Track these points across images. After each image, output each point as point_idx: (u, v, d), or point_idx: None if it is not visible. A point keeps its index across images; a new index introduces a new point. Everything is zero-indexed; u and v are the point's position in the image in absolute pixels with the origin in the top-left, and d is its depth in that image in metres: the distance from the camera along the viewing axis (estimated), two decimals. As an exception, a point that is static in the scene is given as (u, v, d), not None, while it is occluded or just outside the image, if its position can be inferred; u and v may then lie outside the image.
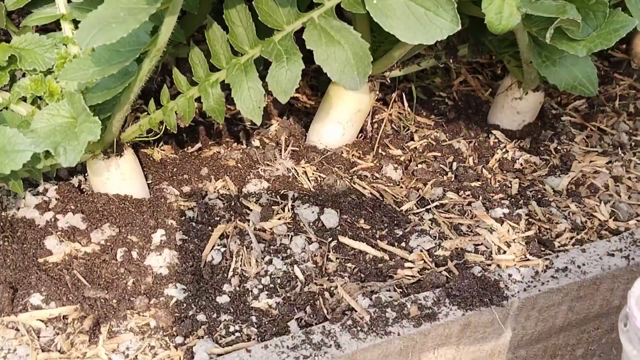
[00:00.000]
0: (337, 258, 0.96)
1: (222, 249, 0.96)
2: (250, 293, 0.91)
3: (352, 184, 1.08)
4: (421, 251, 0.98)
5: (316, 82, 1.33)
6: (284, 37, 0.89)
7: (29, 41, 0.99)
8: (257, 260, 0.95)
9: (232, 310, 0.88)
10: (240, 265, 0.94)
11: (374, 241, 0.99)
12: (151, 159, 1.11)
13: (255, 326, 0.86)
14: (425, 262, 0.96)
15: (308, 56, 0.88)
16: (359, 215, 1.02)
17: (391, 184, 1.10)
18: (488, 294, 0.89)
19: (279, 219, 1.01)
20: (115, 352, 0.82)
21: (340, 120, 1.13)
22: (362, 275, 0.94)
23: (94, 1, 0.77)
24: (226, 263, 0.95)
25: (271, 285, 0.92)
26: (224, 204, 1.03)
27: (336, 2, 0.85)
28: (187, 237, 0.97)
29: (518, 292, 0.90)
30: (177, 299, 0.89)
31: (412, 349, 0.86)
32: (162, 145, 1.15)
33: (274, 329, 0.86)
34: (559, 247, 0.99)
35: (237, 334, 0.85)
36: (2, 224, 0.97)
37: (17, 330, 0.84)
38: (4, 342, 0.83)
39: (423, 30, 0.76)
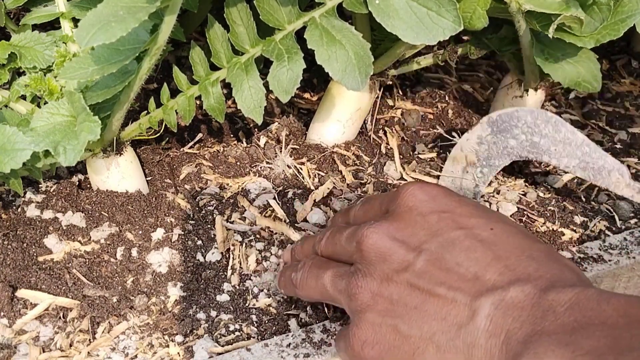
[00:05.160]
0: (337, 257, 0.96)
1: (222, 248, 0.96)
2: (250, 292, 0.91)
3: (352, 182, 1.08)
4: (421, 250, 0.98)
5: (316, 81, 1.33)
6: (285, 37, 0.89)
7: (29, 39, 0.99)
8: (257, 259, 0.95)
9: (232, 309, 0.88)
10: (240, 264, 0.94)
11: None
12: (151, 157, 1.11)
13: (255, 325, 0.86)
14: (425, 261, 0.96)
15: (307, 56, 0.88)
16: (359, 214, 1.02)
17: (391, 182, 1.10)
18: (488, 293, 0.89)
19: (279, 217, 1.01)
20: (114, 351, 0.82)
21: (340, 119, 1.13)
22: (362, 274, 0.94)
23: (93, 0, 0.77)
24: (226, 262, 0.95)
25: (271, 284, 0.92)
26: (223, 201, 1.03)
27: (338, 1, 0.85)
28: (186, 236, 0.97)
29: (518, 291, 0.90)
30: (176, 297, 0.89)
31: (412, 348, 0.86)
32: (162, 143, 1.15)
33: (274, 327, 0.86)
34: (559, 245, 0.99)
35: (237, 333, 0.85)
36: (1, 222, 0.96)
37: (17, 329, 0.84)
38: (3, 340, 0.83)
39: (425, 31, 0.76)
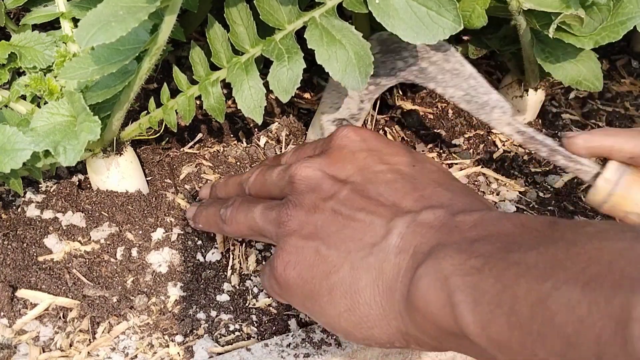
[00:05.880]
0: (337, 257, 0.96)
1: (222, 248, 0.96)
2: (250, 292, 0.91)
3: (352, 182, 1.08)
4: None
5: (316, 81, 1.33)
6: (285, 36, 0.89)
7: (29, 39, 0.99)
8: (257, 259, 0.95)
9: (232, 309, 0.88)
10: (240, 264, 0.94)
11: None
12: (151, 157, 1.11)
13: (255, 325, 0.86)
14: (425, 261, 0.96)
15: (307, 56, 0.88)
16: (359, 214, 1.02)
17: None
18: (488, 293, 0.89)
19: (279, 217, 1.01)
20: (114, 351, 0.82)
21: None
22: (363, 274, 0.94)
23: (93, -1, 0.77)
24: (226, 262, 0.95)
25: (271, 284, 0.92)
26: (223, 202, 1.03)
27: (338, 1, 0.85)
28: (186, 236, 0.97)
29: (518, 291, 0.90)
30: (176, 297, 0.89)
31: (412, 348, 0.86)
32: (162, 143, 1.15)
33: (274, 327, 0.86)
34: (559, 246, 0.99)
35: (237, 333, 0.85)
36: (1, 222, 0.96)
37: (17, 329, 0.84)
38: (3, 340, 0.83)
39: (426, 30, 0.76)
